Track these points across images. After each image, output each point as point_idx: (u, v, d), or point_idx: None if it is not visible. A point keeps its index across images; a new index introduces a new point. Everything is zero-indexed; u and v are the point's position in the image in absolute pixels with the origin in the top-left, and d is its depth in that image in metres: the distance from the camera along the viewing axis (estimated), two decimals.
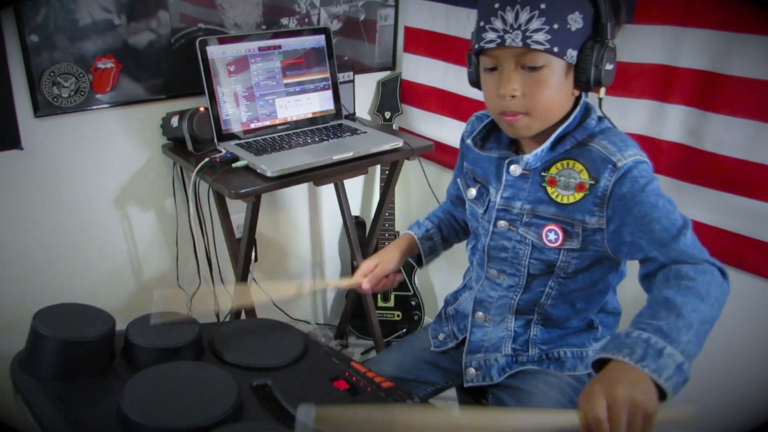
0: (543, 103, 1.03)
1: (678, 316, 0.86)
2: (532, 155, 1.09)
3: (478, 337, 1.24)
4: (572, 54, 1.01)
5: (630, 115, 1.67)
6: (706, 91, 1.53)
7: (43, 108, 1.60)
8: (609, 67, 1.03)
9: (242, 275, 1.79)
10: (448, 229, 1.39)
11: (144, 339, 1.04)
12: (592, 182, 1.04)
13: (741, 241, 1.54)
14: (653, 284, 0.97)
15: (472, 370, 1.24)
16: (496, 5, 1.00)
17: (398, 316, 2.37)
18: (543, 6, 0.97)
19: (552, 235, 1.10)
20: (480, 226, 1.21)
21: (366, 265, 1.28)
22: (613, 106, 1.67)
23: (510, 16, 0.99)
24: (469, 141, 1.20)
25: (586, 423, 0.77)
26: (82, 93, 1.64)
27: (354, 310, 2.34)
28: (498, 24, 1.00)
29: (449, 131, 2.17)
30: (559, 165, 1.09)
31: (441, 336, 1.32)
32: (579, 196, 1.06)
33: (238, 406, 0.93)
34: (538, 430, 0.82)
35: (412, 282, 2.35)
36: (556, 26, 0.98)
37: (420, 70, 2.28)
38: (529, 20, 0.98)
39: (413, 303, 2.37)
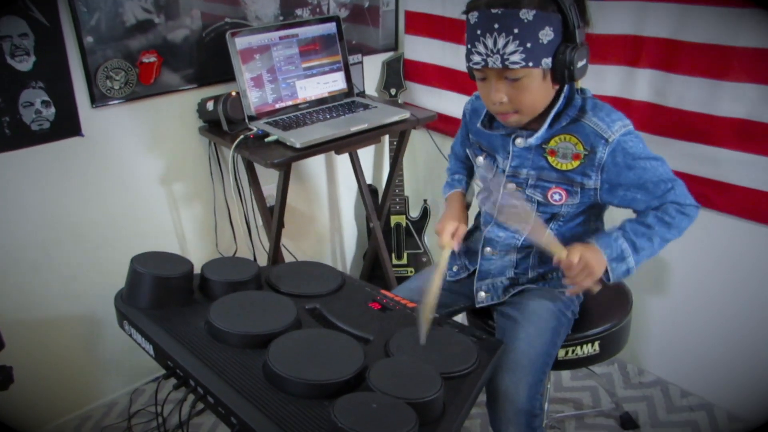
0: (527, 103, 1.26)
1: (649, 240, 1.28)
2: (534, 138, 1.31)
3: (486, 267, 1.48)
4: (547, 62, 1.20)
5: (605, 80, 1.87)
6: (667, 56, 1.74)
7: (99, 99, 1.83)
8: (580, 64, 1.22)
9: (276, 237, 2.05)
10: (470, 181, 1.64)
11: (217, 275, 1.30)
12: (587, 152, 1.27)
13: (702, 183, 1.77)
14: (647, 212, 1.30)
15: (482, 293, 1.48)
16: (478, 32, 1.19)
17: (411, 272, 2.62)
18: (516, 31, 1.16)
19: (556, 196, 1.34)
20: (491, 185, 1.44)
21: (449, 229, 1.45)
22: (589, 73, 1.88)
23: (490, 42, 1.18)
24: (479, 125, 1.40)
25: (562, 260, 1.27)
26: (131, 84, 1.88)
27: (372, 268, 2.59)
28: (481, 48, 1.20)
29: (449, 103, 2.37)
30: (557, 139, 1.30)
31: (455, 268, 1.56)
32: (576, 163, 1.29)
33: (297, 321, 1.19)
34: (538, 243, 1.35)
35: (422, 240, 2.61)
36: (529, 45, 1.17)
37: (420, 49, 2.46)
38: (505, 45, 1.17)
39: (424, 260, 2.63)
